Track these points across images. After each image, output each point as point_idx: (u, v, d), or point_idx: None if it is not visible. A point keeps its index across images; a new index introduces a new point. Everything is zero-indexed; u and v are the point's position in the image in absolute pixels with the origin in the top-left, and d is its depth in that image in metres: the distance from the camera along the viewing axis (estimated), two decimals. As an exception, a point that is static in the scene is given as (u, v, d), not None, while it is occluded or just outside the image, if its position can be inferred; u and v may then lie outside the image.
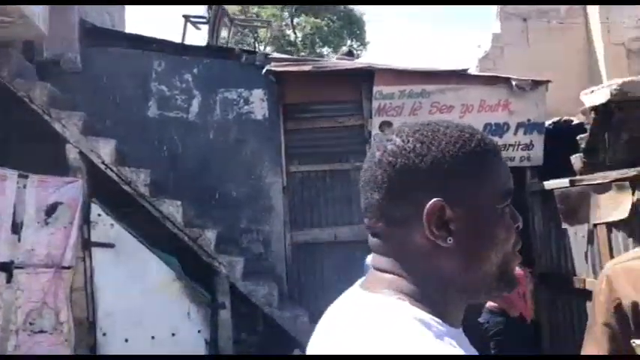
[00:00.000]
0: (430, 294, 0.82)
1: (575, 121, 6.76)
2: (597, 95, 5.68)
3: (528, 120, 6.15)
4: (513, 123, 6.05)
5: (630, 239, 4.74)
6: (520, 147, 6.16)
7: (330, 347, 0.81)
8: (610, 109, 5.76)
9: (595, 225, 5.04)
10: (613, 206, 4.86)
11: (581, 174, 5.69)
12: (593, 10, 9.69)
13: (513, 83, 6.13)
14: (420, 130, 0.85)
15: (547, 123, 6.68)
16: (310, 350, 0.89)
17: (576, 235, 5.23)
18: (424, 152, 0.82)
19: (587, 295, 5.17)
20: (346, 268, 6.01)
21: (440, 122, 0.88)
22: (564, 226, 5.31)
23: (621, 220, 4.76)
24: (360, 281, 0.92)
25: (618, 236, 4.85)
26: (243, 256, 5.70)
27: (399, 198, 0.83)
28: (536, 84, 6.15)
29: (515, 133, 6.14)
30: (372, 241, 0.89)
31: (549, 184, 5.54)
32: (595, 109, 5.82)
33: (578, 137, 6.12)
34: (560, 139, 6.23)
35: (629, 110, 5.75)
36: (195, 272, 5.30)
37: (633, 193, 4.70)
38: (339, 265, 6.06)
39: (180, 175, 5.83)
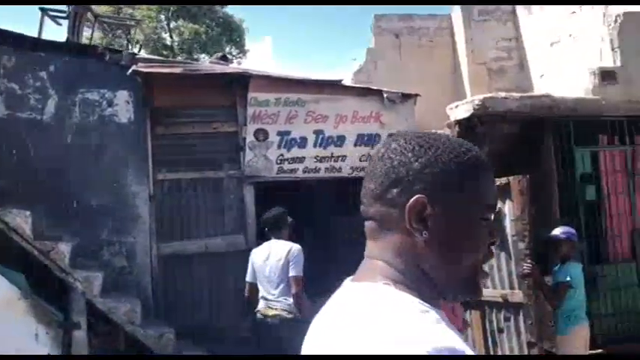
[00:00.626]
0: (413, 281, 0.89)
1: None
2: (461, 110, 5.95)
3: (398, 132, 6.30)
4: (384, 134, 6.16)
5: (491, 247, 4.96)
6: (391, 158, 6.28)
7: (325, 342, 0.88)
8: (473, 123, 6.06)
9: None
10: (476, 215, 5.06)
11: (447, 184, 5.91)
12: (459, 31, 10.26)
13: (384, 95, 6.25)
14: (423, 136, 0.95)
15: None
16: (307, 348, 0.94)
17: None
18: (420, 154, 0.91)
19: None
20: (218, 280, 5.77)
21: (444, 135, 0.99)
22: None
23: (483, 229, 4.98)
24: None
25: (480, 244, 5.06)
26: (104, 271, 5.25)
27: (390, 189, 0.91)
28: (405, 97, 6.33)
29: (386, 145, 6.26)
30: (366, 225, 0.96)
31: (417, 194, 5.70)
32: (459, 122, 6.10)
33: (444, 149, 6.37)
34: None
35: (490, 124, 6.09)
36: (46, 289, 4.79)
37: (494, 203, 4.93)
38: (209, 278, 5.80)
39: (31, 182, 5.26)
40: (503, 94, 6.01)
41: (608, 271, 6.41)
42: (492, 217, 0.95)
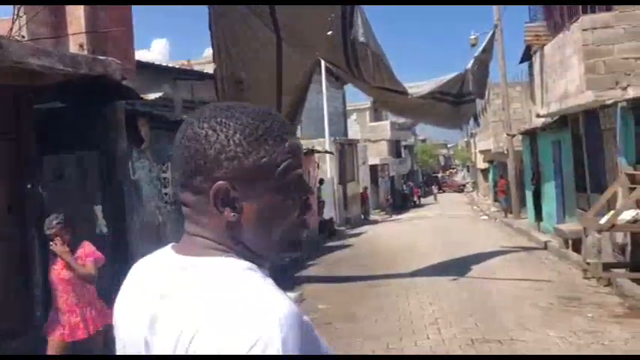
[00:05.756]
0: (238, 253, 0.93)
1: None
2: None
3: None
4: None
5: None
6: None
7: (189, 314, 0.85)
8: None
9: None
10: None
11: None
12: None
13: None
14: (216, 115, 0.93)
15: None
16: (157, 320, 0.90)
17: None
18: (213, 140, 0.91)
19: None
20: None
21: (239, 107, 0.96)
22: None
23: None
24: (169, 247, 1.00)
25: None
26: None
27: (192, 178, 0.93)
28: None
29: None
30: (182, 208, 0.98)
31: None
32: None
33: None
34: None
35: None
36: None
37: None
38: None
39: None
40: None
41: None
42: (299, 173, 0.96)
